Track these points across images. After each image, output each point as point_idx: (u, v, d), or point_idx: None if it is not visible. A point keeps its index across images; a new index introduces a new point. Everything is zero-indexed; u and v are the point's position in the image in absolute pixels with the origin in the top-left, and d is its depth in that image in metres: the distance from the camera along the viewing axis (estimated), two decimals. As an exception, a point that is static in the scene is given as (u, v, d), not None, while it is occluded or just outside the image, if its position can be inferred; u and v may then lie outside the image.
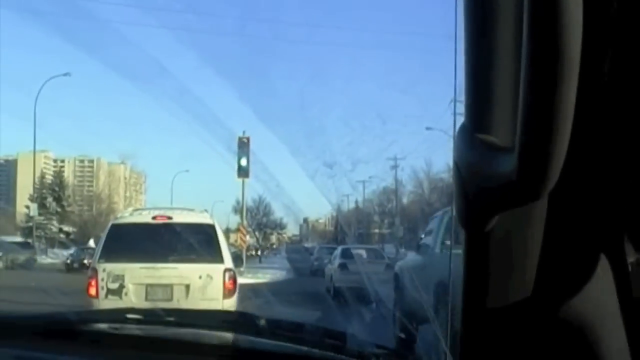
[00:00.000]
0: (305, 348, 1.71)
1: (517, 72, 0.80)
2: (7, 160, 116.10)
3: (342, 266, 19.66)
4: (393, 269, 12.20)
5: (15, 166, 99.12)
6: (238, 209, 42.71)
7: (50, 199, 52.99)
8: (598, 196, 0.94)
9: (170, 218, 9.01)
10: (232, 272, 8.71)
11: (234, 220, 52.63)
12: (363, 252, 22.13)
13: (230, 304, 8.27)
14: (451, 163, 0.98)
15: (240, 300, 8.89)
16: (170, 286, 8.31)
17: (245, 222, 35.15)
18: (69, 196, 57.35)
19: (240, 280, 19.73)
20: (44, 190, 54.50)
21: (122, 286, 8.29)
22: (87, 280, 8.54)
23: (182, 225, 8.86)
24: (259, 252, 55.61)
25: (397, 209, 64.61)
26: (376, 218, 73.05)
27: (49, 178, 60.60)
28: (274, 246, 77.82)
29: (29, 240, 41.74)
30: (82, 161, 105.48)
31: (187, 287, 8.37)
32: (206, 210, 9.63)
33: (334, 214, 69.96)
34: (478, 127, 0.90)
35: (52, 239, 47.80)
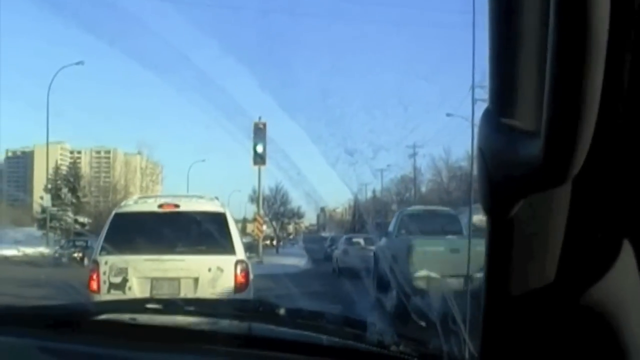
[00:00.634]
0: (325, 337, 1.71)
1: (543, 55, 0.79)
2: (24, 152, 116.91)
3: (345, 251, 24.59)
4: None
5: (32, 158, 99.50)
6: (254, 198, 41.96)
7: (65, 190, 52.70)
8: (622, 181, 0.92)
9: (177, 206, 8.28)
10: (244, 264, 7.96)
11: (251, 210, 52.08)
12: (361, 240, 25.12)
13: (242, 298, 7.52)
14: (471, 151, 0.72)
15: (256, 293, 8.24)
16: (177, 280, 7.60)
17: (261, 212, 34.54)
18: (84, 187, 57.06)
19: (256, 271, 19.44)
20: (59, 181, 54.33)
21: (125, 280, 7.58)
22: (88, 273, 7.85)
23: (191, 213, 8.12)
24: (275, 242, 55.07)
25: (415, 198, 63.98)
26: (394, 207, 72.20)
27: (64, 169, 60.40)
28: (291, 236, 77.44)
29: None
30: (98, 152, 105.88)
31: (196, 280, 7.65)
32: (217, 198, 8.85)
33: (352, 203, 69.68)
34: (502, 111, 0.90)
35: (68, 229, 47.42)
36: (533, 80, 0.87)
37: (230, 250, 7.93)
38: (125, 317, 1.89)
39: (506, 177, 0.90)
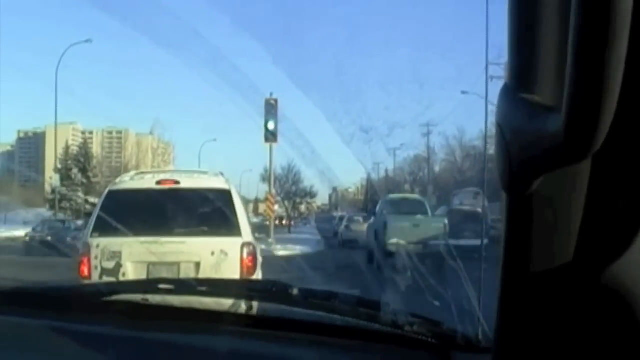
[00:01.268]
0: (339, 317, 1.73)
1: (563, 29, 0.79)
2: (35, 133, 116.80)
3: (347, 227, 31.51)
4: None
5: (44, 139, 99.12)
6: (266, 178, 41.22)
7: (75, 170, 52.31)
8: None
9: (177, 183, 7.45)
10: (251, 247, 7.15)
11: (263, 190, 51.41)
12: (361, 218, 30.82)
13: None
14: (484, 129, 0.94)
15: (267, 275, 7.46)
16: (176, 264, 6.79)
17: (273, 191, 33.72)
18: (94, 167, 56.51)
19: (267, 252, 18.93)
20: (69, 162, 53.94)
21: (119, 265, 6.80)
22: (79, 257, 7.08)
23: (192, 191, 7.33)
24: (287, 222, 54.53)
25: (429, 177, 63.40)
26: (407, 187, 71.74)
27: (75, 149, 60.02)
28: (304, 216, 76.97)
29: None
30: (110, 132, 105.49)
31: (197, 265, 6.85)
32: (222, 173, 8.01)
33: (364, 182, 69.29)
34: (522, 86, 0.89)
35: (78, 210, 46.96)
36: (554, 55, 0.85)
37: (236, 231, 7.14)
38: (138, 297, 1.88)
39: (526, 153, 0.89)
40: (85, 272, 6.83)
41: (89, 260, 6.87)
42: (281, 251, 22.10)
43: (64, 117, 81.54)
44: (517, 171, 0.92)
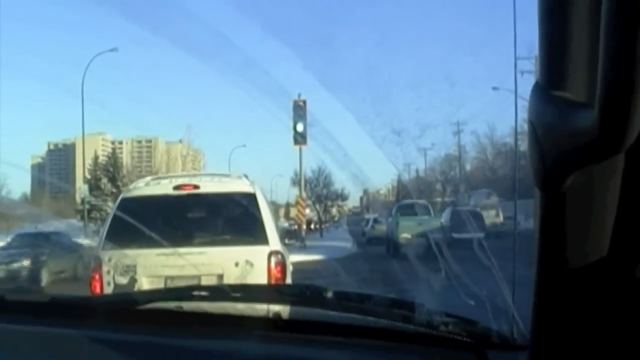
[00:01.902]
0: (373, 319, 1.73)
1: (593, 26, 0.80)
2: (65, 145, 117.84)
3: (372, 227, 37.52)
4: None
5: (74, 150, 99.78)
6: (297, 181, 40.66)
7: (104, 180, 52.23)
8: None
9: (197, 187, 6.72)
10: (279, 256, 6.39)
11: (294, 195, 50.96)
12: (383, 220, 35.52)
13: None
14: (515, 124, 1.08)
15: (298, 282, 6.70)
16: (197, 278, 5.98)
17: (304, 194, 33.15)
18: (123, 176, 56.45)
19: (299, 257, 18.46)
20: (98, 172, 53.95)
21: (133, 280, 6.11)
22: (90, 272, 6.43)
23: (213, 195, 6.62)
24: (319, 226, 54.00)
25: (461, 176, 62.75)
26: (438, 186, 71.08)
27: (104, 159, 60.14)
28: (335, 219, 76.42)
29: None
30: (139, 141, 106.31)
31: (220, 278, 6.10)
32: (246, 176, 7.22)
33: (395, 184, 68.77)
34: (553, 83, 0.90)
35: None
36: (585, 51, 0.86)
37: (262, 239, 6.41)
38: (172, 304, 1.88)
39: (558, 149, 0.90)
40: (97, 288, 6.18)
41: (100, 276, 6.22)
42: (312, 256, 21.56)
43: (93, 127, 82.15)
44: (550, 168, 0.92)
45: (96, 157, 59.03)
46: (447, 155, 68.43)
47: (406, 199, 40.58)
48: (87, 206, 41.89)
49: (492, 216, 35.14)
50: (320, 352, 1.66)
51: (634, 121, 0.79)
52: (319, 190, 64.55)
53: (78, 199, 53.74)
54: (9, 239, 22.97)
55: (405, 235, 23.19)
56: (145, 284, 6.11)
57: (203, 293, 2.03)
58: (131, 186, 7.43)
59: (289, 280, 6.52)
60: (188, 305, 1.88)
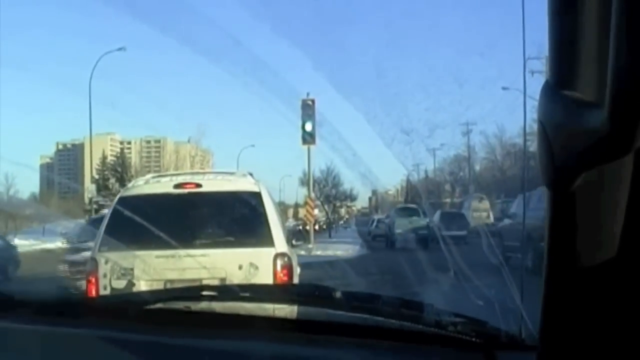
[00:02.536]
0: (382, 319, 1.73)
1: (603, 26, 0.81)
2: (74, 145, 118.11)
3: (376, 226, 40.98)
4: None
5: (82, 150, 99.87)
6: (305, 181, 40.40)
7: (112, 180, 52.21)
8: None
9: (199, 186, 6.37)
10: (286, 259, 6.05)
11: (303, 195, 50.79)
12: (385, 219, 38.66)
13: None
14: (527, 127, 1.10)
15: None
16: (198, 282, 5.54)
17: (312, 194, 32.85)
18: (132, 176, 56.47)
19: (308, 258, 18.20)
20: (106, 172, 53.93)
21: (131, 284, 5.77)
22: (86, 275, 6.12)
23: (216, 195, 6.29)
24: (327, 226, 53.79)
25: (470, 177, 62.52)
26: (447, 187, 70.85)
27: (112, 159, 60.14)
28: (344, 219, 76.24)
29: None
30: (148, 141, 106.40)
31: (223, 281, 5.68)
32: (250, 174, 6.87)
33: (404, 184, 68.61)
34: (563, 83, 0.91)
35: (116, 220, 46.75)
36: (594, 51, 0.86)
37: (268, 240, 6.08)
38: (180, 304, 1.89)
39: (568, 149, 0.91)
40: (93, 292, 5.87)
41: (96, 279, 5.90)
42: (320, 256, 21.44)
43: (102, 127, 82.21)
44: (559, 167, 0.92)
45: (104, 157, 59.15)
46: (456, 156, 68.44)
47: (415, 199, 45.55)
48: (94, 206, 41.64)
49: (484, 217, 42.39)
50: (329, 352, 1.66)
51: None
52: (328, 191, 64.41)
53: (86, 199, 53.77)
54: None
55: (399, 231, 29.06)
56: (143, 287, 5.77)
57: (211, 293, 2.05)
58: (130, 184, 7.11)
59: (296, 282, 6.20)
60: (196, 305, 1.89)
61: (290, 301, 1.97)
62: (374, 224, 42.90)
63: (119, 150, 79.15)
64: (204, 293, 2.02)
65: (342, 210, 77.23)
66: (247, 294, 2.05)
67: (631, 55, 0.77)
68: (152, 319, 1.82)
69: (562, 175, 0.93)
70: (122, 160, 58.46)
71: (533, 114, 1.02)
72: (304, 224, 31.88)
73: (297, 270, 6.54)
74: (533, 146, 1.02)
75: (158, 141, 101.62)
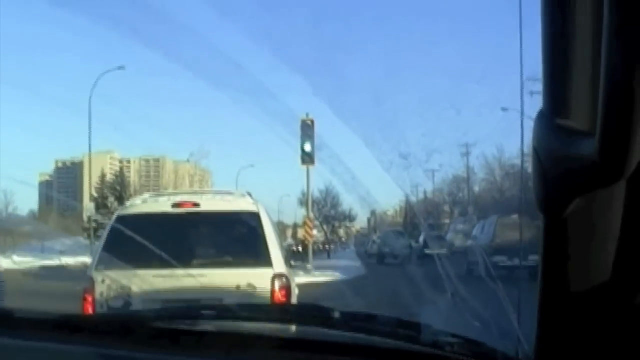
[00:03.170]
0: (379, 339, 1.73)
1: (595, 57, 0.84)
2: (73, 163, 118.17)
3: (371, 246, 44.17)
4: None
5: (82, 168, 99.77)
6: (304, 202, 40.36)
7: (111, 199, 52.08)
8: None
9: (197, 205, 6.34)
10: (284, 280, 6.01)
11: (302, 215, 50.81)
12: (378, 240, 43.46)
13: None
14: (526, 148, 1.11)
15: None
16: (196, 302, 5.54)
17: (311, 215, 32.77)
18: (131, 195, 56.43)
19: (307, 279, 18.14)
20: (105, 190, 53.86)
21: (128, 303, 5.74)
22: (82, 294, 6.07)
23: (214, 214, 6.26)
24: (327, 247, 53.69)
25: (470, 198, 62.52)
26: (446, 208, 70.76)
27: (111, 177, 60.08)
28: (343, 239, 76.08)
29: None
30: (147, 160, 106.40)
31: (220, 302, 5.59)
32: (249, 194, 6.81)
33: (403, 205, 68.64)
34: (557, 112, 0.93)
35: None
36: (587, 82, 0.88)
37: (266, 261, 6.04)
38: (181, 323, 1.89)
39: (562, 176, 0.93)
40: (90, 311, 5.82)
41: (93, 298, 5.86)
42: (319, 278, 21.48)
43: (102, 146, 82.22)
44: (553, 193, 0.95)
45: (103, 176, 58.98)
46: (455, 177, 68.25)
47: (414, 220, 48.20)
48: (93, 224, 41.63)
49: (463, 238, 44.19)
50: None
51: (634, 150, 0.81)
52: (327, 211, 64.31)
53: (85, 218, 53.74)
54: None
55: (387, 250, 35.43)
56: (140, 307, 5.71)
57: (210, 312, 2.06)
58: (128, 203, 7.08)
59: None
60: (195, 325, 1.89)
61: (288, 321, 1.98)
62: (370, 244, 46.73)
63: (118, 168, 79.19)
64: (204, 312, 2.03)
65: (341, 231, 77.03)
66: (246, 314, 2.06)
67: (621, 87, 0.79)
68: (151, 338, 1.81)
69: (555, 201, 0.95)
70: (121, 178, 58.41)
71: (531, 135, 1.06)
72: (301, 244, 31.92)
73: (295, 291, 6.50)
74: (531, 167, 1.03)
75: (157, 160, 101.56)
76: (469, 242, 23.65)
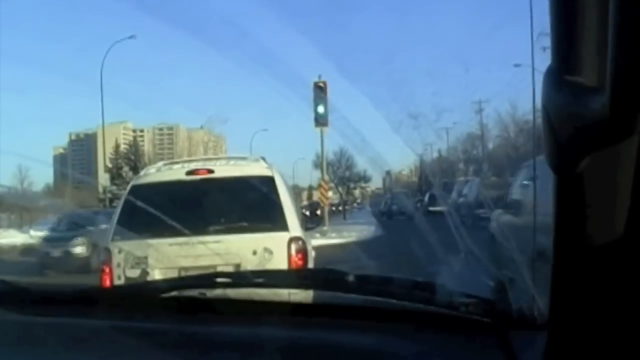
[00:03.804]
0: (394, 301, 1.75)
1: (604, 10, 0.82)
2: (87, 135, 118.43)
3: (384, 204, 47.31)
4: None
5: (95, 140, 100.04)
6: (319, 164, 40.32)
7: (126, 169, 52.22)
8: None
9: (211, 172, 6.30)
10: (300, 243, 5.98)
11: (317, 177, 50.88)
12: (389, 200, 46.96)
13: None
14: (538, 104, 1.03)
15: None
16: (212, 268, 5.49)
17: (326, 177, 32.75)
18: (145, 164, 56.58)
19: (323, 241, 18.17)
20: (120, 160, 53.97)
21: (145, 272, 5.73)
22: (100, 265, 6.07)
23: (229, 180, 6.22)
24: (342, 208, 53.80)
25: (484, 155, 62.26)
26: (461, 165, 70.56)
27: (125, 148, 60.18)
28: (359, 200, 76.16)
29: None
30: (160, 129, 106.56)
31: (237, 267, 5.66)
32: (263, 158, 6.78)
33: (417, 164, 68.41)
34: (566, 69, 0.92)
35: (131, 208, 46.84)
36: (595, 37, 0.87)
37: (282, 225, 6.01)
38: (195, 292, 1.89)
39: (572, 133, 0.92)
40: (108, 282, 5.83)
41: (110, 269, 5.86)
42: (336, 239, 21.57)
43: (115, 117, 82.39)
44: (564, 151, 0.94)
45: (117, 146, 59.07)
46: (469, 134, 67.96)
47: (428, 179, 48.29)
48: (109, 195, 41.76)
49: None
50: (343, 335, 1.65)
51: None
52: (342, 173, 64.23)
53: (100, 189, 53.99)
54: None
55: (393, 208, 39.91)
56: (157, 276, 5.70)
57: (225, 280, 2.06)
58: (142, 172, 7.04)
59: (311, 266, 6.13)
60: (210, 293, 1.90)
61: (303, 286, 1.98)
62: (383, 204, 50.61)
63: (131, 138, 79.22)
64: (218, 280, 2.04)
65: (357, 192, 77.12)
66: (260, 280, 2.05)
67: (629, 41, 0.78)
68: (167, 307, 1.83)
69: (566, 158, 0.94)
70: (135, 148, 58.46)
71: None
72: (311, 207, 32.08)
73: (312, 253, 6.48)
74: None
75: (170, 128, 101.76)
76: (461, 200, 27.43)
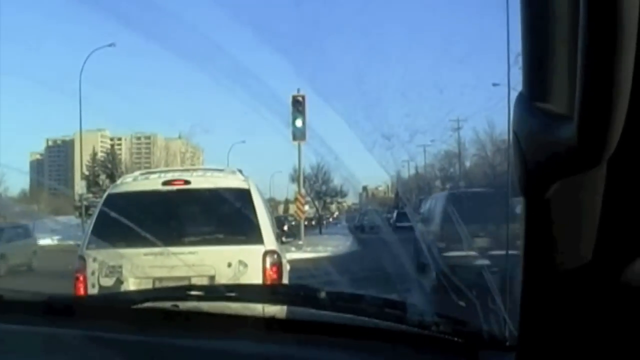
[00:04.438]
0: (366, 319, 1.76)
1: (574, 40, 0.83)
2: (64, 142, 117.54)
3: (359, 219, 49.30)
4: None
5: (72, 146, 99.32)
6: (296, 177, 40.37)
7: (103, 176, 51.87)
8: None
9: (187, 183, 6.33)
10: (275, 256, 6.02)
11: (293, 191, 50.89)
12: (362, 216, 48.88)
13: None
14: (508, 123, 1.06)
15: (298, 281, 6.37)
16: (187, 279, 5.62)
17: (302, 190, 32.75)
18: (122, 173, 56.23)
19: (298, 255, 18.17)
20: (97, 168, 53.62)
21: (119, 282, 5.74)
22: (74, 273, 6.08)
23: (205, 191, 6.24)
24: (319, 222, 53.79)
25: (461, 173, 62.57)
26: (438, 183, 70.77)
27: (102, 155, 59.81)
28: (335, 215, 76.15)
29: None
30: (138, 138, 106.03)
31: (212, 279, 5.71)
32: (240, 171, 6.84)
33: (394, 181, 68.59)
34: (536, 95, 0.93)
35: (106, 217, 46.47)
36: (565, 64, 0.88)
37: (257, 238, 6.04)
38: (167, 304, 1.89)
39: (541, 159, 0.93)
40: (81, 290, 5.83)
41: (84, 277, 5.87)
42: (310, 253, 21.53)
43: (93, 124, 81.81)
44: (533, 176, 0.95)
45: (95, 154, 58.69)
46: (446, 152, 68.10)
47: (405, 195, 46.69)
48: (84, 203, 41.41)
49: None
50: (314, 352, 1.68)
51: (611, 133, 0.81)
52: (318, 187, 64.20)
53: (76, 196, 53.55)
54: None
55: (365, 223, 41.63)
56: (132, 286, 5.73)
57: (198, 292, 2.09)
58: (118, 181, 7.07)
59: (285, 281, 6.18)
60: (184, 305, 1.90)
61: (276, 301, 1.98)
62: (357, 219, 52.41)
63: (109, 146, 78.72)
64: (192, 292, 2.05)
65: (333, 207, 77.08)
66: (233, 294, 2.07)
67: (597, 70, 0.79)
68: (140, 319, 1.83)
69: (535, 183, 0.95)
70: (112, 156, 58.08)
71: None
72: (282, 223, 32.20)
73: (286, 267, 6.52)
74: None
75: (148, 137, 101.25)
76: (425, 214, 29.66)
